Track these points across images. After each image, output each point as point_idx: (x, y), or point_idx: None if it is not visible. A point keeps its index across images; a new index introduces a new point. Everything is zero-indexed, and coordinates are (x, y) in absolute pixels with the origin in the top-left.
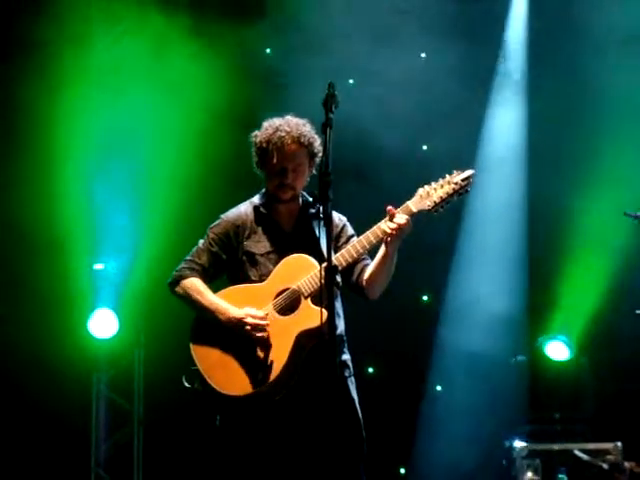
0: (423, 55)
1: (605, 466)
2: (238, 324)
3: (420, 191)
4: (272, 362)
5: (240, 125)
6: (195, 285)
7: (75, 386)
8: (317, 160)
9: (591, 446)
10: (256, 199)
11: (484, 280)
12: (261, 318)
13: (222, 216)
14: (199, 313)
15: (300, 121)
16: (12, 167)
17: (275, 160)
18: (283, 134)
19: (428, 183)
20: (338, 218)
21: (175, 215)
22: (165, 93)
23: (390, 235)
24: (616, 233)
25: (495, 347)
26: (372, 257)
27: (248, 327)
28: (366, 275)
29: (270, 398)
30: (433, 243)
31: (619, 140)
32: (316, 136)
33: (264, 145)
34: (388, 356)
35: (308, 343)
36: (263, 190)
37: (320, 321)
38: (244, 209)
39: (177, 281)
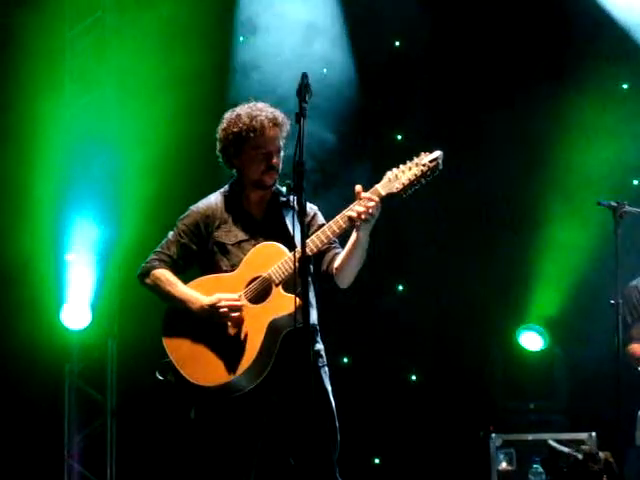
0: None
1: (580, 456)
2: (211, 310)
3: (388, 174)
4: (244, 351)
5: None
6: (165, 276)
7: (47, 377)
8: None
9: (566, 436)
10: (225, 189)
11: (459, 269)
12: (234, 300)
13: (191, 207)
14: (170, 304)
15: (264, 104)
16: None
17: (258, 146)
18: (262, 118)
19: (396, 166)
20: (309, 207)
21: (149, 206)
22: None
23: (359, 218)
24: (590, 223)
25: (470, 337)
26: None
27: (224, 309)
28: (336, 263)
29: (243, 388)
30: (408, 232)
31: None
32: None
33: (243, 134)
34: (363, 346)
35: (281, 331)
36: (232, 180)
37: (292, 308)
38: (214, 199)
39: (147, 273)
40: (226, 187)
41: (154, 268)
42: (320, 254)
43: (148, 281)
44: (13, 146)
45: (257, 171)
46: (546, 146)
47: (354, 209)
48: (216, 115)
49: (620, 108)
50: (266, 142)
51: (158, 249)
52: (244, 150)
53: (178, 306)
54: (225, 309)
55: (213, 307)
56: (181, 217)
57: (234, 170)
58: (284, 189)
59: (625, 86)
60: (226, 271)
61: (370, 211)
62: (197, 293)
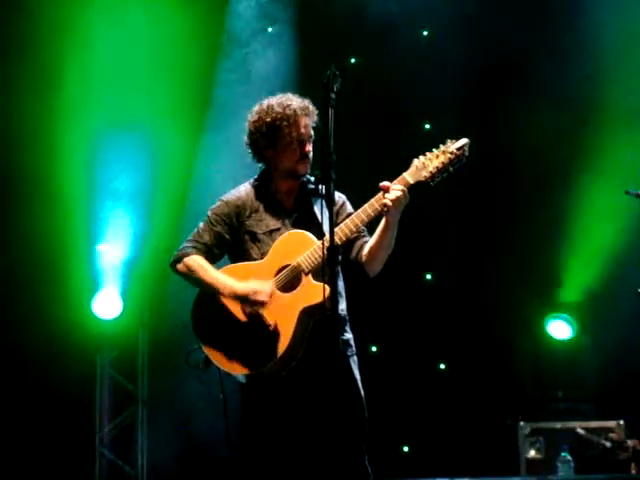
0: None
1: (608, 444)
2: (242, 299)
3: (415, 162)
4: (277, 339)
5: None
6: (197, 262)
7: (79, 367)
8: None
9: (594, 424)
10: (255, 180)
11: (487, 259)
12: (265, 295)
13: (221, 198)
14: (202, 289)
15: (293, 94)
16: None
17: (292, 134)
18: (295, 107)
19: (423, 154)
20: (337, 196)
21: (180, 194)
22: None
23: (388, 207)
24: (618, 212)
25: (498, 326)
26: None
27: (254, 304)
28: (365, 250)
29: (273, 376)
30: (437, 222)
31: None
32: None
33: (277, 123)
34: (391, 335)
35: (311, 319)
36: (261, 172)
37: (322, 296)
38: (244, 189)
39: (179, 259)
40: (255, 178)
41: (187, 255)
42: (349, 242)
43: (180, 267)
44: (43, 135)
45: (291, 160)
46: (578, 135)
47: (382, 197)
48: None
49: None
50: (299, 130)
51: (190, 237)
52: (277, 140)
53: (209, 291)
54: (254, 304)
55: (244, 298)
56: (212, 207)
57: (261, 163)
58: (312, 178)
59: None
60: (256, 259)
61: (399, 199)
62: (229, 278)
